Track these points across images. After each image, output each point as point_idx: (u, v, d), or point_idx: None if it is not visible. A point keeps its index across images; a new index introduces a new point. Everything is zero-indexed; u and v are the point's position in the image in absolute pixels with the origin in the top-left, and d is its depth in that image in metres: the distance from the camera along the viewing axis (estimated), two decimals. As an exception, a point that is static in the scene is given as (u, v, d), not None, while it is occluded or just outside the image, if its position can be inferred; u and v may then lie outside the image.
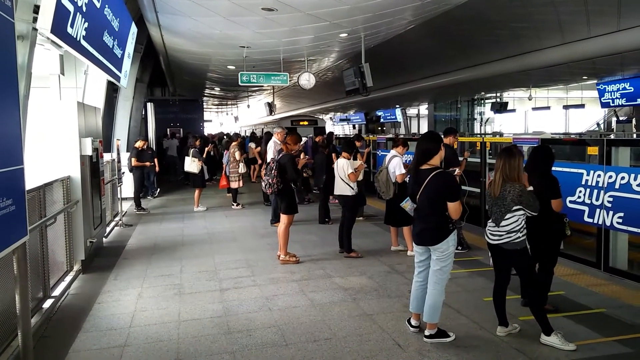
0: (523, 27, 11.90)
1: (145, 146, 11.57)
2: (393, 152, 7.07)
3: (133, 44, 10.19)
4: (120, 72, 9.38)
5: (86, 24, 5.95)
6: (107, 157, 9.27)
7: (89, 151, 6.62)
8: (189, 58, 14.52)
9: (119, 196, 10.06)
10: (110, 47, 7.95)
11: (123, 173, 10.29)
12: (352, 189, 6.93)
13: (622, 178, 5.52)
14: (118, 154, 9.95)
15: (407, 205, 4.39)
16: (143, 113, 18.28)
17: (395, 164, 6.76)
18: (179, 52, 13.76)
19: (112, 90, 13.67)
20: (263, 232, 8.65)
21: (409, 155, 8.23)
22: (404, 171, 6.65)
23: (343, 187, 6.96)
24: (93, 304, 5.17)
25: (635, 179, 5.37)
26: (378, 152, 12.10)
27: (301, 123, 22.84)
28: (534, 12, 10.65)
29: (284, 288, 5.57)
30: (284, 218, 6.63)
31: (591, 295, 5.16)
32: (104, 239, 8.02)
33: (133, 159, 11.04)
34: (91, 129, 7.20)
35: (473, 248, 7.02)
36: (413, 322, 4.34)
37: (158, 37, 11.86)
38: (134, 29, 9.81)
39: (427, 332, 4.14)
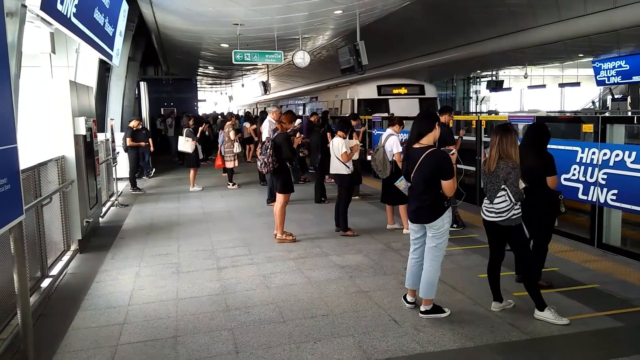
0: (519, 4, 11.80)
1: (139, 126, 11.49)
2: (389, 130, 7.06)
3: (125, 22, 10.04)
4: (112, 50, 9.26)
5: (76, 1, 5.84)
6: (101, 137, 9.20)
7: (82, 131, 6.57)
8: (181, 36, 14.33)
9: (114, 176, 10.03)
10: (102, 24, 7.83)
11: (118, 153, 10.24)
12: (348, 168, 6.93)
13: (617, 155, 5.54)
14: (112, 133, 9.89)
15: (402, 184, 4.40)
16: (136, 92, 18.10)
17: (392, 143, 6.76)
18: (171, 30, 13.57)
19: (105, 69, 13.50)
20: (259, 211, 8.67)
21: (405, 134, 8.21)
22: (401, 149, 6.64)
23: (339, 166, 6.96)
24: (91, 283, 5.20)
25: (629, 156, 5.40)
26: (374, 131, 12.08)
27: (395, 92, 15.60)
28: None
29: (281, 266, 5.61)
30: (280, 197, 6.64)
31: (584, 271, 5.23)
32: (100, 219, 8.01)
33: (128, 139, 10.96)
34: (84, 108, 7.13)
35: (468, 226, 7.07)
36: (409, 298, 4.40)
37: (150, 15, 11.67)
38: (125, 6, 9.64)
39: (422, 308, 4.19)
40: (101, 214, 8.18)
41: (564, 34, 12.28)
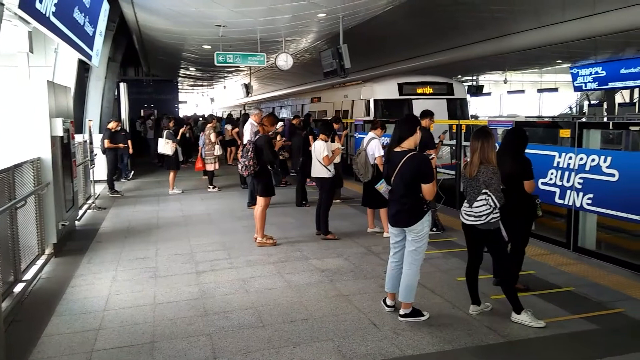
0: (501, 9, 11.96)
1: (118, 127, 11.33)
2: (371, 134, 7.08)
3: (105, 22, 9.91)
4: (91, 50, 9.13)
5: (56, 0, 5.75)
6: (78, 138, 9.05)
7: (59, 132, 6.45)
8: (163, 37, 14.20)
9: (91, 178, 9.86)
10: (82, 24, 7.71)
11: (95, 155, 10.08)
12: (329, 171, 6.93)
13: (593, 160, 5.64)
14: (90, 135, 9.72)
15: (382, 187, 4.41)
16: (116, 93, 17.86)
17: (374, 146, 6.78)
18: (152, 31, 13.44)
19: (84, 70, 13.29)
20: (240, 214, 8.61)
21: (386, 138, 8.25)
22: (383, 153, 6.66)
23: (320, 169, 6.95)
24: (66, 288, 5.09)
25: (604, 161, 5.50)
26: (355, 135, 12.11)
27: (419, 91, 13.45)
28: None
29: (261, 270, 5.58)
30: (260, 200, 6.60)
31: (560, 274, 5.31)
32: (76, 222, 7.87)
33: (106, 141, 10.81)
34: (62, 109, 7.00)
35: (447, 229, 7.13)
36: (388, 301, 4.41)
37: (131, 15, 11.54)
38: (105, 6, 9.52)
39: (402, 312, 4.20)
40: (77, 217, 8.04)
41: (544, 40, 12.49)
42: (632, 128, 5.75)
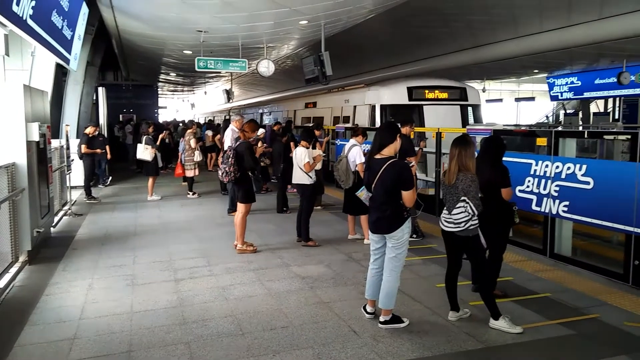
0: (479, 20, 12.16)
1: (96, 132, 11.16)
2: (352, 141, 7.11)
3: (84, 25, 9.79)
4: (70, 54, 9.00)
5: (33, 3, 5.67)
6: (55, 143, 8.88)
7: (35, 137, 6.33)
8: (143, 41, 14.06)
9: (68, 184, 9.69)
10: (60, 27, 7.61)
11: (72, 160, 9.91)
12: (310, 177, 6.93)
13: (568, 168, 5.76)
14: (67, 140, 9.57)
15: (363, 194, 4.43)
16: (94, 98, 17.60)
17: (355, 153, 6.81)
18: (132, 35, 13.30)
19: (61, 74, 13.08)
20: (220, 221, 8.54)
21: (368, 145, 8.29)
22: (364, 160, 6.69)
23: (301, 175, 6.95)
24: (40, 296, 4.97)
25: (580, 169, 5.62)
26: (337, 142, 12.14)
27: (430, 96, 12.34)
28: (489, 5, 10.90)
29: (241, 277, 5.53)
30: (241, 207, 6.56)
31: (537, 280, 5.39)
32: (51, 228, 7.71)
33: (83, 146, 10.63)
34: (38, 113, 6.87)
35: (427, 236, 7.18)
36: (368, 308, 4.41)
37: (111, 19, 11.41)
38: (85, 10, 9.41)
39: (382, 318, 4.21)
40: (53, 224, 7.88)
41: (521, 50, 12.73)
42: (606, 137, 5.90)
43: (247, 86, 31.51)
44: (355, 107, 13.57)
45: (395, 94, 12.44)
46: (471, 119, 12.43)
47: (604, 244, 6.78)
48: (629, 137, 5.23)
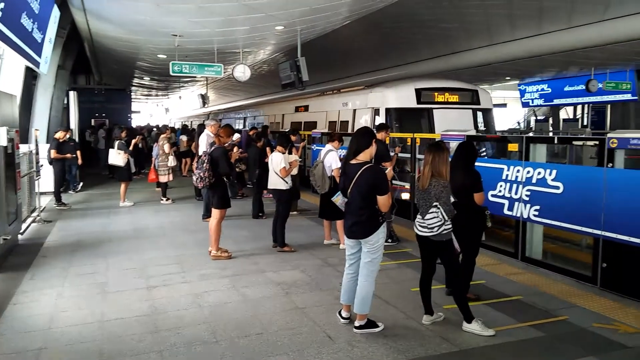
0: (453, 28, 12.36)
1: (66, 137, 10.92)
2: (328, 146, 7.13)
3: (55, 28, 9.56)
4: (40, 57, 8.78)
5: (2, 4, 5.51)
6: (24, 148, 8.66)
7: (3, 141, 6.18)
8: (116, 45, 13.85)
9: (37, 190, 9.44)
10: (29, 30, 7.42)
11: (42, 166, 9.67)
12: (286, 183, 6.92)
13: (539, 173, 5.89)
14: (36, 145, 9.34)
15: (338, 199, 4.44)
16: (65, 102, 17.24)
17: (332, 159, 6.83)
18: (105, 39, 13.09)
19: (31, 77, 12.77)
20: (194, 227, 8.44)
21: (344, 150, 8.32)
22: (340, 165, 6.71)
23: (277, 181, 6.93)
24: (7, 305, 4.83)
25: (550, 174, 5.75)
26: (313, 147, 12.15)
27: (440, 99, 11.15)
28: (463, 13, 11.09)
29: (215, 284, 5.47)
30: (215, 213, 6.50)
31: (509, 283, 5.48)
32: (19, 236, 7.49)
33: (53, 151, 10.38)
34: (6, 117, 6.70)
35: (402, 240, 7.23)
36: (344, 313, 4.41)
37: (83, 22, 11.20)
38: (56, 12, 9.20)
39: (357, 323, 4.22)
40: (21, 231, 7.66)
41: (494, 57, 12.97)
42: (575, 143, 6.04)
43: (229, 89, 31.18)
44: (354, 111, 12.34)
45: (402, 97, 11.15)
46: (481, 126, 11.32)
47: (574, 247, 6.95)
48: (597, 142, 5.38)
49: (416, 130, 9.54)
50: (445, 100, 11.07)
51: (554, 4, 9.61)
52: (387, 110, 11.07)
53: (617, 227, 5.03)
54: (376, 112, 11.37)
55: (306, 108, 15.91)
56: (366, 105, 11.78)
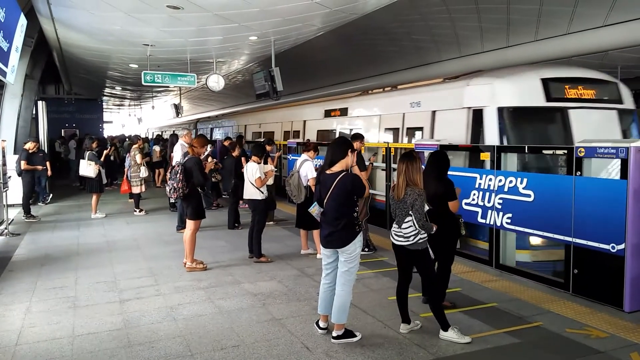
0: (424, 40, 12.60)
1: (36, 148, 10.64)
2: (304, 156, 7.13)
3: (22, 37, 9.33)
4: (6, 67, 8.54)
5: (-35, 12, 5.36)
6: (-10, 159, 8.39)
7: (-33, 152, 5.95)
8: (86, 54, 13.63)
9: (4, 202, 9.14)
10: (-5, 38, 7.23)
11: (9, 177, 9.38)
12: (262, 193, 6.88)
13: (510, 182, 6.01)
14: (3, 156, 9.07)
15: (315, 210, 4.42)
16: (34, 112, 16.82)
17: (307, 168, 6.83)
18: (75, 48, 12.87)
19: (-3, 87, 12.44)
20: (168, 239, 8.30)
21: (319, 160, 8.34)
22: (315, 175, 6.72)
23: (253, 191, 6.88)
24: (-29, 323, 4.64)
25: (521, 182, 5.87)
26: (288, 157, 12.14)
27: (571, 93, 7.26)
28: (433, 25, 11.33)
29: (190, 296, 5.38)
30: (190, 224, 6.41)
31: (484, 290, 5.55)
32: (-15, 250, 7.24)
33: (23, 162, 10.09)
34: (-30, 128, 6.48)
35: (378, 249, 7.26)
36: (321, 324, 4.39)
37: (51, 31, 10.99)
38: (23, 21, 8.99)
39: (334, 333, 4.20)
40: (-13, 245, 7.40)
41: (464, 69, 13.26)
42: (545, 152, 6.18)
43: (196, 100, 30.89)
44: (433, 113, 8.58)
45: (523, 90, 7.38)
46: (634, 132, 7.99)
47: (546, 254, 7.07)
48: (566, 152, 5.52)
49: (545, 141, 7.17)
50: (581, 96, 7.51)
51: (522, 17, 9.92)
52: (500, 110, 7.24)
53: (586, 233, 5.16)
54: (477, 114, 7.56)
55: (344, 111, 11.65)
56: (460, 105, 7.88)
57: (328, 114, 12.37)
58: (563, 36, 10.18)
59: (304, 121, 13.70)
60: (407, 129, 9.35)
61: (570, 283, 5.37)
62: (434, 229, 4.26)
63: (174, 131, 19.98)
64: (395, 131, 9.72)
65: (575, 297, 5.27)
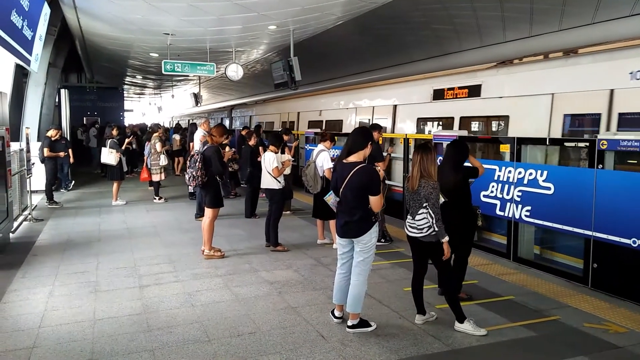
0: (445, 29, 12.40)
1: (59, 136, 10.85)
2: (320, 146, 7.13)
3: (46, 26, 9.49)
4: (30, 55, 8.71)
5: (-9, 1, 5.47)
6: (14, 146, 8.59)
7: (-7, 139, 6.11)
8: (108, 43, 13.77)
9: (28, 189, 9.37)
10: (20, 27, 7.36)
11: (33, 164, 9.59)
12: (279, 182, 6.91)
13: (530, 174, 5.93)
14: (27, 143, 9.26)
15: (330, 198, 4.44)
16: (57, 100, 17.12)
17: (323, 159, 6.83)
18: (97, 37, 13.01)
19: (22, 75, 12.67)
20: (187, 226, 8.41)
21: (336, 150, 8.34)
22: (331, 165, 6.72)
23: (270, 180, 6.92)
24: (-3, 305, 4.79)
25: (541, 175, 5.79)
26: (306, 147, 12.15)
27: None
28: (455, 15, 11.13)
29: (208, 283, 5.46)
30: (208, 212, 6.48)
31: (501, 283, 5.51)
32: (10, 234, 7.43)
33: (45, 149, 10.31)
34: (-4, 115, 6.64)
35: (395, 240, 7.25)
36: (337, 313, 4.42)
37: (74, 20, 11.13)
38: (46, 10, 9.13)
39: (349, 323, 4.22)
40: (12, 229, 7.60)
41: (485, 59, 13.04)
42: (566, 144, 6.09)
43: (215, 89, 30.89)
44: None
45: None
46: None
47: (565, 247, 6.99)
48: (587, 144, 5.42)
49: None
50: None
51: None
52: None
53: (607, 228, 5.08)
54: None
55: (442, 94, 9.50)
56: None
57: (440, 95, 10.44)
58: (588, 26, 9.95)
59: (373, 107, 12.62)
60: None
61: (589, 277, 5.30)
62: (446, 238, 4.17)
63: (189, 120, 19.46)
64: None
65: (594, 291, 5.21)
